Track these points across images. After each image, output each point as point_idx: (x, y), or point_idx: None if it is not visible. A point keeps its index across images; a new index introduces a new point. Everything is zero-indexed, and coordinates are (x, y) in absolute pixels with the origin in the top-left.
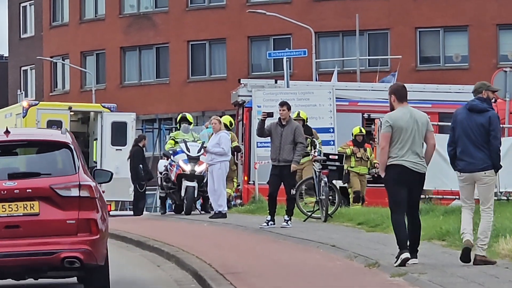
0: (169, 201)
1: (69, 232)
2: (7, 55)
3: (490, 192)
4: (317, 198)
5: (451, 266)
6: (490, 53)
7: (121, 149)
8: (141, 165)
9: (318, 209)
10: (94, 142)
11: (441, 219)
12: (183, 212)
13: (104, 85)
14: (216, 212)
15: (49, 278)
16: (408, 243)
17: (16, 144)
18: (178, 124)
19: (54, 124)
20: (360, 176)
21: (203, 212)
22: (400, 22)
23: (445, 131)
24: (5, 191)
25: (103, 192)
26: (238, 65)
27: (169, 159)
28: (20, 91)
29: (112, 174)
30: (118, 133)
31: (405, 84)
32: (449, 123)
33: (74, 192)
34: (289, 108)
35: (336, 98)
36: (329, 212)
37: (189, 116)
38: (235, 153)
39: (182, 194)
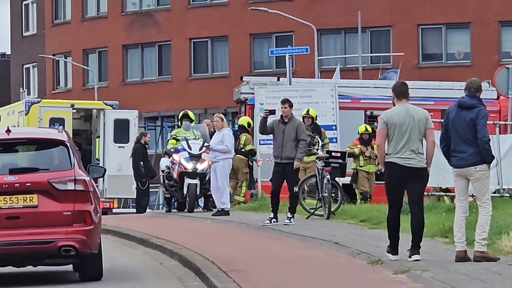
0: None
1: (65, 223)
2: (9, 53)
3: (484, 187)
4: (320, 195)
5: (454, 263)
6: (492, 50)
7: (123, 147)
8: (141, 162)
9: (321, 207)
10: (97, 139)
11: (444, 216)
12: (185, 210)
13: (106, 82)
14: (219, 209)
15: (47, 265)
16: (398, 243)
17: (17, 142)
18: (179, 122)
19: (56, 121)
20: (369, 175)
21: (205, 209)
22: (402, 19)
23: None
24: (7, 185)
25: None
26: (240, 63)
27: (171, 158)
28: (23, 89)
29: (105, 170)
30: (121, 130)
31: (407, 81)
32: None
33: (70, 186)
34: (290, 106)
35: (339, 95)
36: (331, 210)
37: (191, 113)
38: (249, 156)
39: (185, 192)
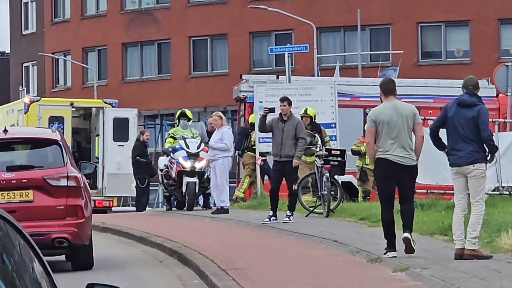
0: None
1: (58, 216)
2: (8, 51)
3: (480, 185)
4: (319, 193)
5: (453, 261)
6: (491, 47)
7: (123, 145)
8: (137, 157)
9: (320, 205)
10: (96, 138)
11: (443, 214)
12: (185, 208)
13: (106, 81)
14: (219, 207)
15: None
16: (395, 240)
17: (14, 141)
18: (177, 120)
19: (56, 120)
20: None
21: (204, 208)
22: (402, 17)
23: None
24: (4, 181)
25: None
26: (240, 61)
27: (169, 157)
28: (22, 88)
29: (95, 166)
30: (120, 129)
31: (407, 79)
32: None
33: (63, 182)
34: (289, 104)
35: (338, 93)
36: (331, 207)
37: (188, 112)
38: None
39: (183, 190)
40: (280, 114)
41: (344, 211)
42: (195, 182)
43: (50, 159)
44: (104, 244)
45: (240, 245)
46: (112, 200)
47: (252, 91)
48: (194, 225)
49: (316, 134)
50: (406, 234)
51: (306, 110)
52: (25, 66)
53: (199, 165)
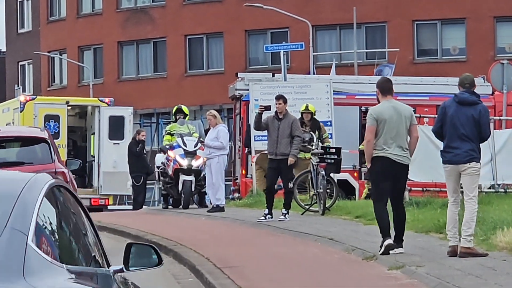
0: None
1: None
2: (4, 50)
3: (474, 183)
4: (315, 191)
5: (448, 259)
6: (487, 45)
7: (118, 143)
8: (137, 155)
9: (316, 203)
10: (92, 136)
11: (438, 212)
12: (181, 206)
13: (101, 79)
14: (214, 206)
15: None
16: (391, 230)
17: (4, 139)
18: (174, 117)
19: (51, 118)
20: None
21: (200, 206)
22: (398, 15)
23: None
24: None
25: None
26: (236, 59)
27: (166, 154)
28: (18, 86)
29: (81, 162)
30: (116, 127)
31: (403, 77)
32: None
33: None
34: (285, 102)
35: (334, 91)
36: (326, 206)
37: (185, 108)
38: None
39: (180, 188)
40: (276, 112)
41: (339, 209)
42: (191, 181)
43: (39, 156)
44: None
45: (236, 243)
46: (108, 199)
47: (248, 89)
48: (190, 223)
49: (312, 134)
50: (400, 250)
51: (307, 106)
52: (21, 65)
53: (196, 163)
